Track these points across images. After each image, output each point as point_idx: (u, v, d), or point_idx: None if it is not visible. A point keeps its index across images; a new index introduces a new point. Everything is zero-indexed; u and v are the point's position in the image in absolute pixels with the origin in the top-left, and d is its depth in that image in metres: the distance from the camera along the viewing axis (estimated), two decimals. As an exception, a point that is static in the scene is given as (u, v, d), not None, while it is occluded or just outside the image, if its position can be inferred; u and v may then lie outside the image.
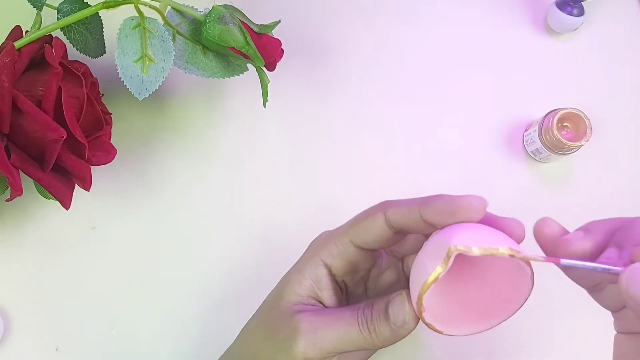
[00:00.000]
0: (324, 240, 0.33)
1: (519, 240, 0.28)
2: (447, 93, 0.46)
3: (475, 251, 0.25)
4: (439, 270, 0.25)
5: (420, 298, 0.26)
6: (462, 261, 0.27)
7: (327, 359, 0.29)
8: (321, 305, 0.32)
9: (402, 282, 0.34)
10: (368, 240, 0.31)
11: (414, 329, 0.29)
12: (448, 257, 0.25)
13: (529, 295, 0.28)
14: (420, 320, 0.28)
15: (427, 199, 0.29)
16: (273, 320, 0.31)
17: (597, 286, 0.28)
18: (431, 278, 0.26)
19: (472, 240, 0.25)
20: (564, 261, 0.26)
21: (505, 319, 0.28)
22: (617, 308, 0.28)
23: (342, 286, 0.34)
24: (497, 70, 0.46)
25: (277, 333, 0.30)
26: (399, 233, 0.30)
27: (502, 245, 0.25)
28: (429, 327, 0.27)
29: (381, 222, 0.30)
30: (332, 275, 0.32)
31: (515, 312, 0.28)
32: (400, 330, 0.29)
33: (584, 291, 0.44)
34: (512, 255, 0.25)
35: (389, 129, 0.45)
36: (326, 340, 0.29)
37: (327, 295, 0.32)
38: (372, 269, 0.34)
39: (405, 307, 0.28)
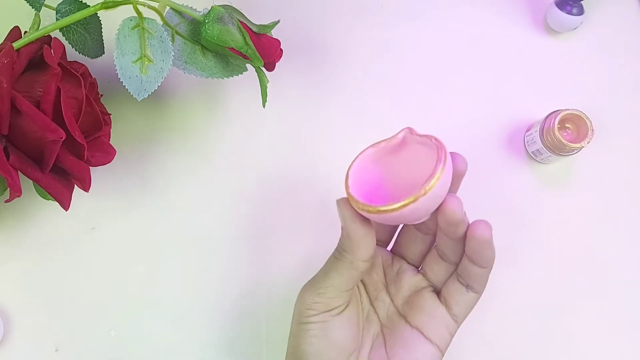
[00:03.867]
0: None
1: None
2: (447, 93, 0.46)
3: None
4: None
5: (347, 174, 0.30)
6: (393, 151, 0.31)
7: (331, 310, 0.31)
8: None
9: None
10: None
11: (358, 222, 0.30)
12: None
13: (437, 172, 0.28)
14: (350, 200, 0.30)
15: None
16: None
17: None
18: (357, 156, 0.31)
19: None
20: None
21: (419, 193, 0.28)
22: None
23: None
24: (497, 69, 0.46)
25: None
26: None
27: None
28: (353, 202, 0.29)
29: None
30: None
31: (428, 184, 0.28)
32: (349, 228, 0.30)
33: (585, 292, 0.43)
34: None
35: (388, 129, 0.45)
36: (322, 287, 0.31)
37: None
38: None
39: (340, 206, 0.31)
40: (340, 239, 0.32)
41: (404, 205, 0.27)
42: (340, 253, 0.32)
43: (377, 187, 0.32)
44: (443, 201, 0.29)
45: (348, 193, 0.30)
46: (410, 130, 0.31)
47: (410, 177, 0.31)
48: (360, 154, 0.31)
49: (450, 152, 0.30)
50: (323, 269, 0.33)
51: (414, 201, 0.27)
